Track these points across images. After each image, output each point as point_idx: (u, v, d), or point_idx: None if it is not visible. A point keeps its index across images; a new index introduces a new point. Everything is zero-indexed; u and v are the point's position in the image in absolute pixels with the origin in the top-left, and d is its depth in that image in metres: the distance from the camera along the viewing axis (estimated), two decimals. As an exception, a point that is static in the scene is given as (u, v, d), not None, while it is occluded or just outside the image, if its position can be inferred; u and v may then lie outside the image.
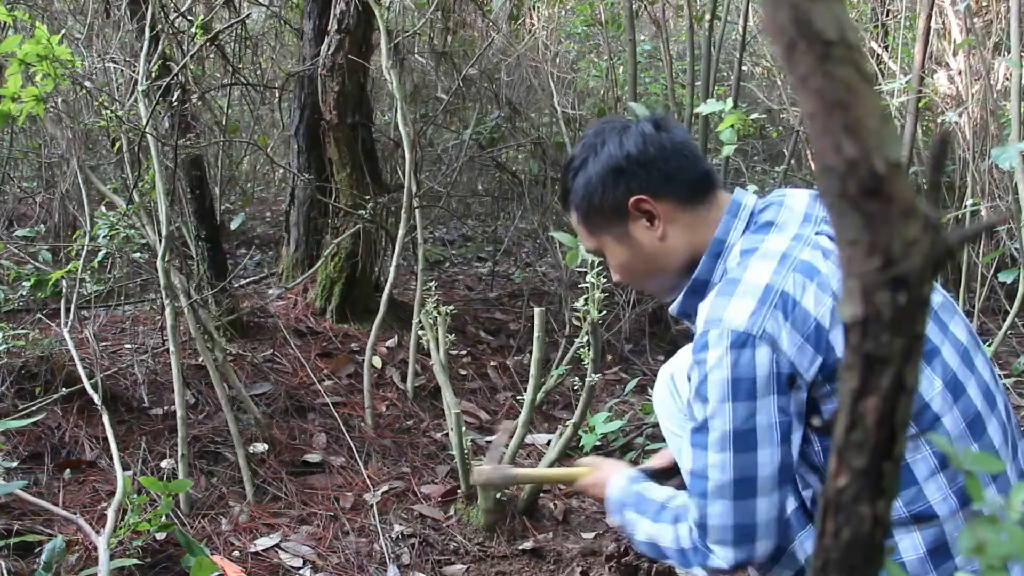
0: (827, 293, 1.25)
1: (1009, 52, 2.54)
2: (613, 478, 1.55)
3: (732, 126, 2.33)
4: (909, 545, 1.29)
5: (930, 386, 1.28)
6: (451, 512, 2.39)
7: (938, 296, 1.39)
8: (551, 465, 2.38)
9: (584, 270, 2.10)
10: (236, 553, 2.14)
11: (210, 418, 2.66)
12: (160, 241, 2.44)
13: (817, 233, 1.33)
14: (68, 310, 2.64)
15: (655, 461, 1.77)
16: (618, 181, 1.41)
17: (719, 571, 1.32)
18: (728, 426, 1.25)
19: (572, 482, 1.71)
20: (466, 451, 2.34)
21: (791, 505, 1.41)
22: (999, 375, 1.44)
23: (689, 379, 1.32)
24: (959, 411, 1.29)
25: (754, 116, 3.01)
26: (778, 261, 1.28)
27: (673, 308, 1.49)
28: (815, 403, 1.28)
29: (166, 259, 2.42)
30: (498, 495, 2.33)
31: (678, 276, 1.46)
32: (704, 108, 2.51)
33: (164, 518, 2.09)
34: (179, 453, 2.28)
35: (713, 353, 1.25)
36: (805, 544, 1.38)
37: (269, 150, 4.41)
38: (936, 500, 1.27)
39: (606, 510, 1.58)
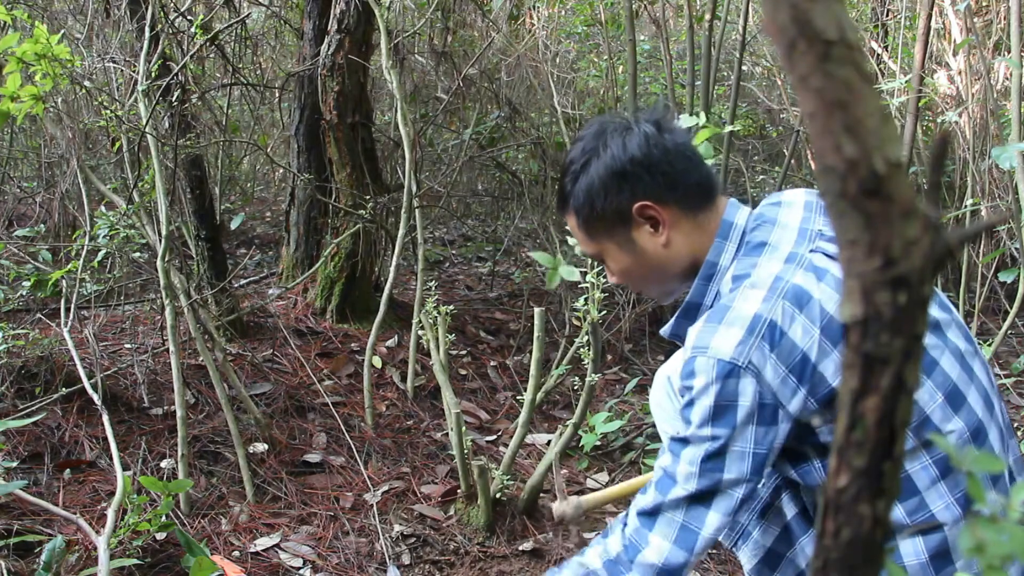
0: (816, 323, 1.23)
1: (1009, 52, 2.54)
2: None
3: (726, 132, 2.32)
4: (911, 550, 1.28)
5: (931, 399, 1.27)
6: (451, 512, 2.39)
7: (934, 302, 1.38)
8: (550, 467, 2.38)
9: (584, 270, 2.10)
10: (236, 553, 2.14)
11: (210, 418, 2.66)
12: (160, 241, 2.44)
13: (812, 251, 1.29)
14: (68, 310, 2.64)
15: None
16: (622, 186, 1.36)
17: (644, 566, 1.29)
18: (702, 448, 1.25)
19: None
20: (466, 451, 2.34)
21: (791, 511, 1.41)
22: (994, 376, 1.44)
23: (681, 396, 1.32)
24: (961, 422, 1.28)
25: (731, 128, 3.00)
26: (768, 288, 1.25)
27: (665, 331, 1.48)
28: (810, 430, 1.28)
29: (166, 259, 2.42)
30: (499, 495, 2.33)
31: (678, 281, 1.44)
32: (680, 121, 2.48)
33: (164, 518, 2.09)
34: (179, 453, 2.28)
35: (699, 380, 1.25)
36: (807, 549, 1.37)
37: (269, 150, 4.41)
38: (938, 508, 1.26)
39: None
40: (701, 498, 1.27)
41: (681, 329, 1.43)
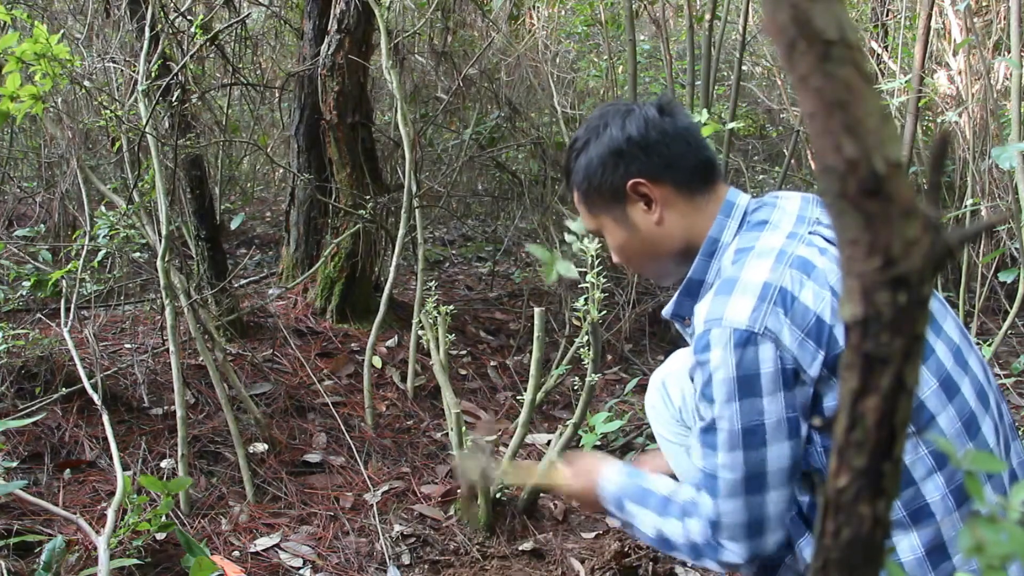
0: (825, 288, 1.24)
1: (1009, 52, 2.53)
2: (604, 470, 1.52)
3: (726, 131, 2.31)
4: (907, 546, 1.28)
5: (925, 385, 1.28)
6: (451, 512, 2.39)
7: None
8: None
9: (584, 270, 2.10)
10: (236, 553, 2.14)
11: (210, 418, 2.66)
12: (160, 241, 2.44)
13: (811, 232, 1.33)
14: (68, 310, 2.64)
15: (645, 467, 1.76)
16: (618, 163, 1.41)
17: (730, 565, 1.32)
18: (736, 425, 1.24)
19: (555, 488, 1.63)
20: (466, 451, 2.33)
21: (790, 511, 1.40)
22: (993, 375, 1.43)
23: (692, 379, 1.31)
24: (954, 410, 1.29)
25: (732, 125, 2.98)
26: (775, 258, 1.27)
27: (666, 311, 1.49)
28: (818, 398, 1.27)
29: (166, 259, 2.42)
30: (496, 494, 2.33)
31: (674, 262, 1.47)
32: None
33: (164, 518, 2.09)
34: (179, 453, 2.28)
35: (716, 353, 1.24)
36: (804, 552, 1.37)
37: (269, 150, 4.41)
38: (934, 499, 1.26)
39: (596, 502, 1.52)
40: (753, 481, 1.25)
41: (682, 308, 1.44)
